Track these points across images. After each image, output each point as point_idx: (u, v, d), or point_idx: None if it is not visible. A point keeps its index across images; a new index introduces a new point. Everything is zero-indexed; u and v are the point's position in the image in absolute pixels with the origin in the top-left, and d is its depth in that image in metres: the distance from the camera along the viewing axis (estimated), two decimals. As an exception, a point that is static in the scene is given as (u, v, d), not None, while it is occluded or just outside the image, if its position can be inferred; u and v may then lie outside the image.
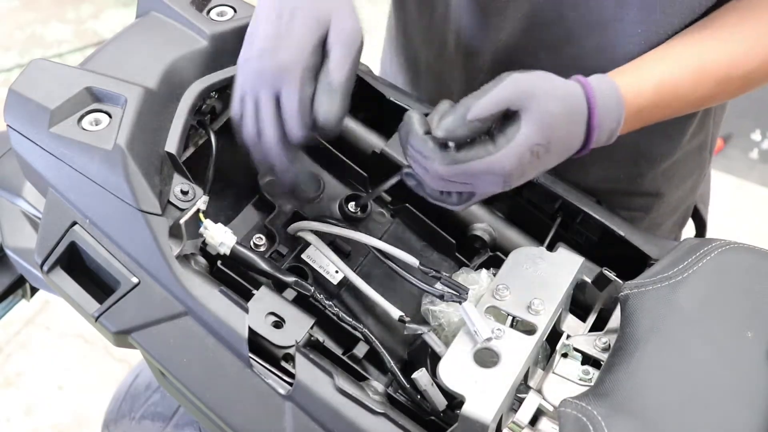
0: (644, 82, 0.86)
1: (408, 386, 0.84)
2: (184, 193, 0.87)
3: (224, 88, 0.95)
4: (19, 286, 1.21)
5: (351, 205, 0.98)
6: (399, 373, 0.85)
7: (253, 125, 0.84)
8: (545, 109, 0.77)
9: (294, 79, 0.80)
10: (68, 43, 2.94)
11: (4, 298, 1.20)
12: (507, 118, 0.78)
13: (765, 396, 0.74)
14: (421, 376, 0.83)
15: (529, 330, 0.82)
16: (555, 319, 0.84)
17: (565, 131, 0.79)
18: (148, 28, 0.95)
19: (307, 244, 0.93)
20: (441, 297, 0.84)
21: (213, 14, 0.97)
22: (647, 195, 1.13)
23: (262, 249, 0.94)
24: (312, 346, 0.85)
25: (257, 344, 0.82)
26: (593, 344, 0.85)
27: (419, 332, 0.87)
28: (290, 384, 0.80)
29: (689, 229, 1.29)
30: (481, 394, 0.76)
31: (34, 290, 1.24)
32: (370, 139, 1.00)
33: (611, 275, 0.89)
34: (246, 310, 0.81)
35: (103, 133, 0.85)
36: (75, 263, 0.88)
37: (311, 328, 0.84)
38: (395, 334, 0.91)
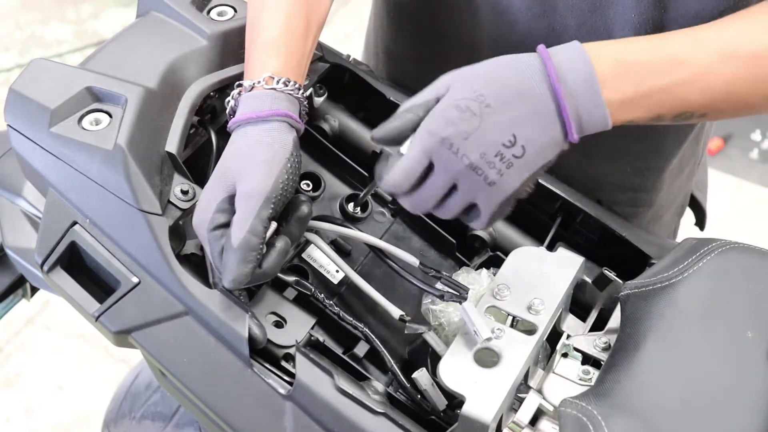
0: (627, 43, 0.79)
1: (408, 386, 0.84)
2: (185, 192, 0.87)
3: (225, 88, 0.95)
4: (19, 286, 1.20)
5: (351, 205, 0.98)
6: (399, 373, 0.85)
7: None
8: (468, 73, 0.76)
9: (203, 239, 0.82)
10: (68, 43, 2.94)
11: (5, 298, 1.19)
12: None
13: (765, 396, 0.74)
14: (421, 375, 0.83)
15: (529, 330, 0.82)
16: (555, 319, 0.84)
17: (504, 80, 0.75)
18: (148, 28, 0.95)
19: (308, 243, 0.93)
20: (441, 297, 0.84)
21: (213, 14, 0.97)
22: (651, 190, 1.13)
23: (262, 249, 0.93)
24: (312, 345, 0.85)
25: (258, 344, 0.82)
26: (593, 344, 0.85)
27: (420, 332, 0.87)
28: (290, 384, 0.80)
29: (688, 219, 1.29)
30: (481, 394, 0.76)
31: (34, 290, 1.24)
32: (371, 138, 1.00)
33: (611, 275, 0.89)
34: (246, 310, 0.81)
35: (104, 132, 0.85)
36: (75, 263, 0.88)
37: (312, 327, 0.84)
38: (396, 333, 0.91)
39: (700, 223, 1.30)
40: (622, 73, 0.76)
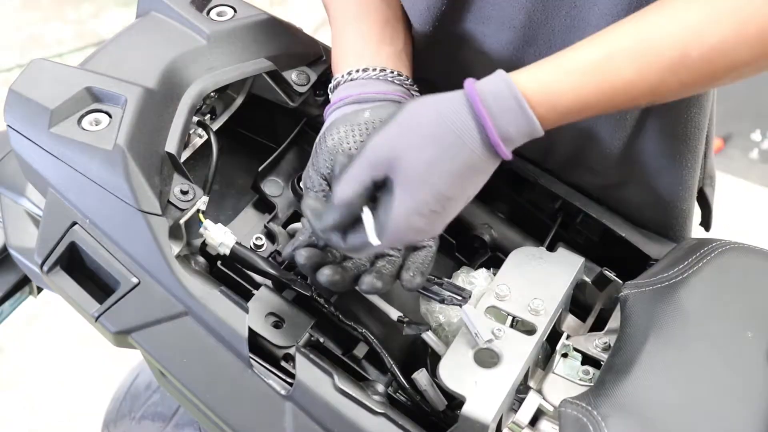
0: (557, 67, 0.75)
1: (408, 386, 0.84)
2: (184, 193, 0.87)
3: (224, 88, 0.95)
4: (23, 285, 1.20)
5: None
6: (399, 374, 0.85)
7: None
8: (416, 166, 0.72)
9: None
10: (68, 43, 2.94)
11: (9, 297, 1.19)
12: (380, 186, 0.74)
13: (765, 396, 0.74)
14: (421, 376, 0.83)
15: (529, 330, 0.82)
16: (555, 319, 0.84)
17: (449, 165, 0.73)
18: (148, 28, 0.95)
19: (308, 244, 0.93)
20: (442, 301, 0.84)
21: (213, 14, 0.97)
22: None
23: (262, 249, 0.94)
24: (312, 346, 0.85)
25: (257, 344, 0.82)
26: (593, 344, 0.85)
27: (419, 332, 0.86)
28: (290, 384, 0.80)
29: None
30: (481, 394, 0.76)
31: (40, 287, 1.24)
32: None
33: (611, 275, 0.89)
34: (246, 310, 0.81)
35: (103, 133, 0.85)
36: (75, 263, 0.88)
37: (311, 328, 0.84)
38: (395, 334, 0.91)
39: (705, 223, 1.27)
40: (539, 68, 0.74)
